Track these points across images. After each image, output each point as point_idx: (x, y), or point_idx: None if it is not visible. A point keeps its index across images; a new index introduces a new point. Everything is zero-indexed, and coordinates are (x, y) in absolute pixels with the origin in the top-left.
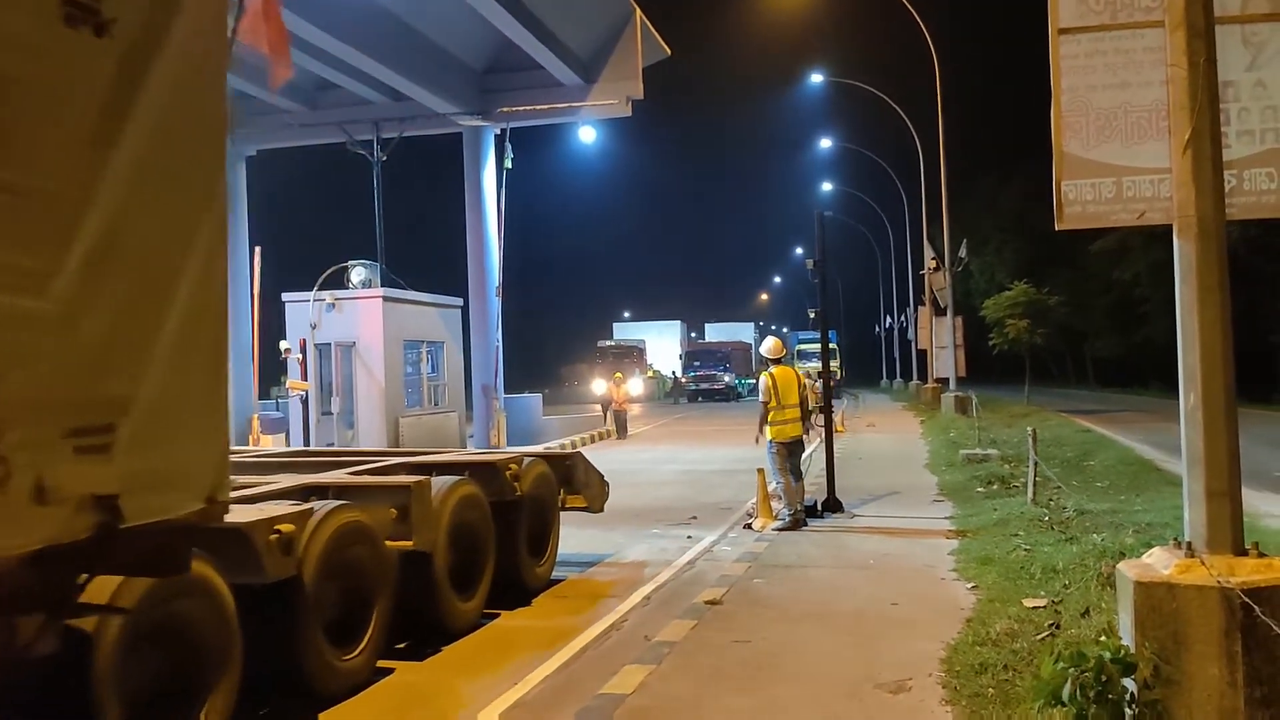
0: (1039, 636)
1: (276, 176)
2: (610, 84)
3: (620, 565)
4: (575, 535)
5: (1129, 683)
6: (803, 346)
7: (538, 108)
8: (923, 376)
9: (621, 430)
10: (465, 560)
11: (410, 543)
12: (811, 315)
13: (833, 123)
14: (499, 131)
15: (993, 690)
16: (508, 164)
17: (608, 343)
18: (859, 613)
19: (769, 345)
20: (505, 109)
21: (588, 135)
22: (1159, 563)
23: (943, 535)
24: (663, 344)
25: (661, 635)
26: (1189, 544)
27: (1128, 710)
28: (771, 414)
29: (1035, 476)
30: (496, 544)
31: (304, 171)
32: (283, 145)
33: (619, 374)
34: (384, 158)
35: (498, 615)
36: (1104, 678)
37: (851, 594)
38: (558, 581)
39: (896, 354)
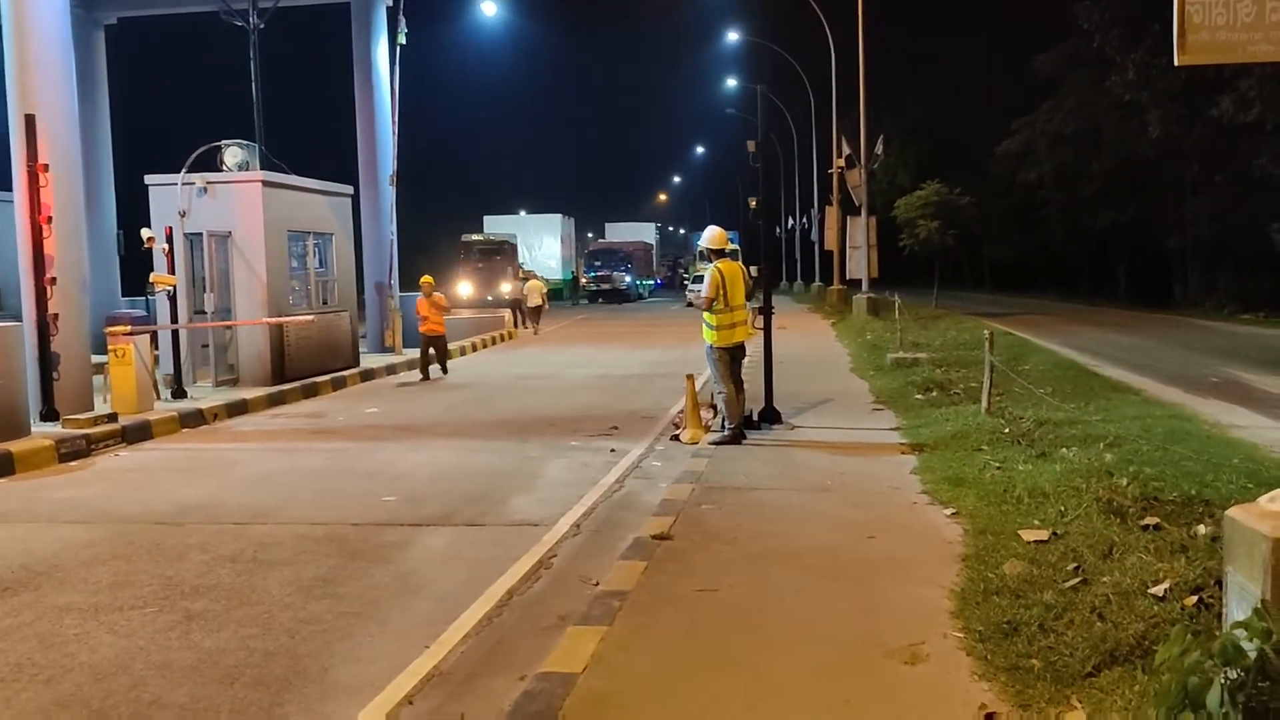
0: (1066, 584)
1: (140, 48)
2: None
3: None
4: (469, 450)
5: None
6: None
7: None
8: (826, 278)
9: (437, 362)
10: None
11: None
12: (752, 204)
13: (741, 17)
14: (391, 3)
15: (1036, 662)
16: (402, 39)
17: (474, 237)
18: (834, 549)
19: (711, 235)
20: None
21: (489, 9)
22: None
23: (897, 450)
24: (541, 240)
25: (607, 582)
26: None
27: None
28: (717, 316)
29: (990, 384)
30: None
31: (171, 43)
32: (147, 12)
33: (428, 278)
34: (261, 25)
35: None
36: (1263, 680)
37: (818, 524)
38: None
39: (798, 256)
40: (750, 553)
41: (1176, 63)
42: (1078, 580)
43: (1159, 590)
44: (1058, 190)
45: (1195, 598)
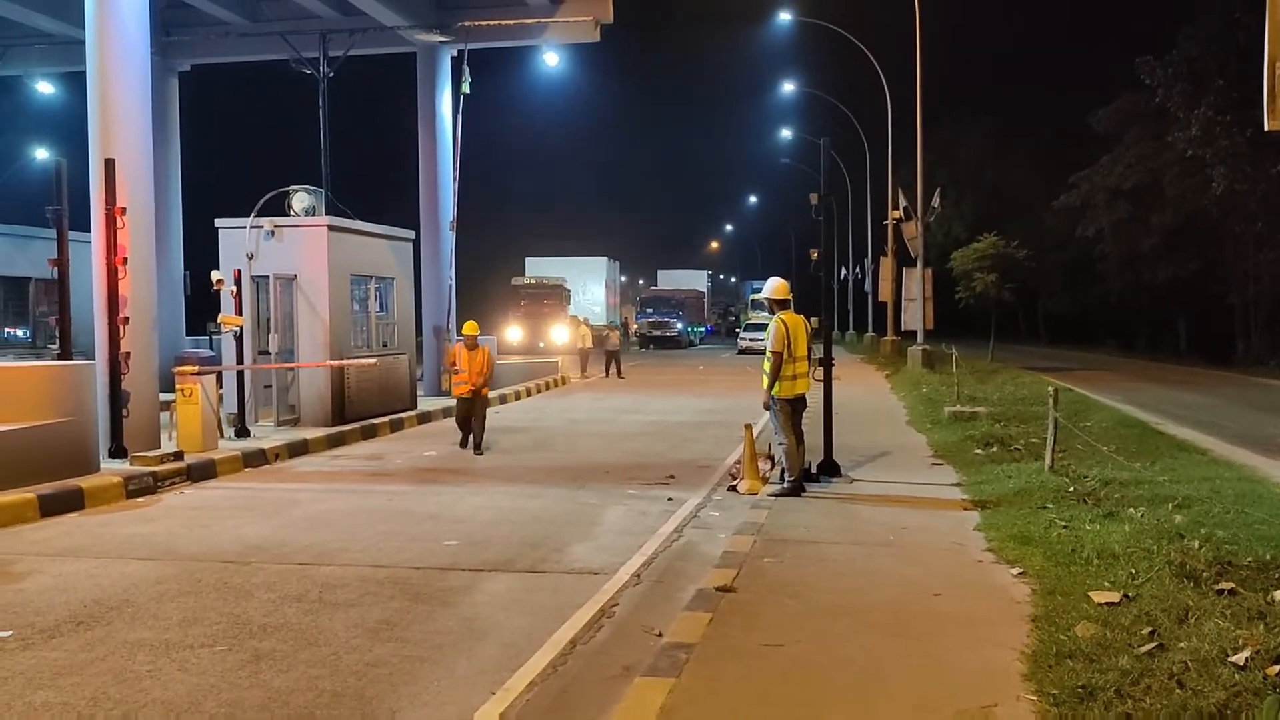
0: (1142, 649)
1: (213, 94)
2: (578, 3)
3: None
4: (527, 495)
5: None
6: (759, 296)
7: (501, 23)
8: (880, 329)
9: (476, 441)
10: None
11: None
12: (813, 256)
13: (795, 68)
14: (456, 53)
15: None
16: (466, 88)
17: (524, 280)
18: (899, 605)
19: (774, 286)
20: (465, 24)
21: (552, 60)
22: None
23: (959, 506)
24: (585, 285)
25: (672, 634)
26: None
27: None
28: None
29: (1055, 441)
30: None
31: (243, 90)
32: (220, 60)
33: (472, 324)
34: (330, 74)
35: None
36: None
37: (882, 579)
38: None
39: (851, 306)
40: (815, 607)
41: (1267, 128)
42: (1153, 645)
43: (1239, 658)
44: (1116, 244)
45: (1278, 667)
